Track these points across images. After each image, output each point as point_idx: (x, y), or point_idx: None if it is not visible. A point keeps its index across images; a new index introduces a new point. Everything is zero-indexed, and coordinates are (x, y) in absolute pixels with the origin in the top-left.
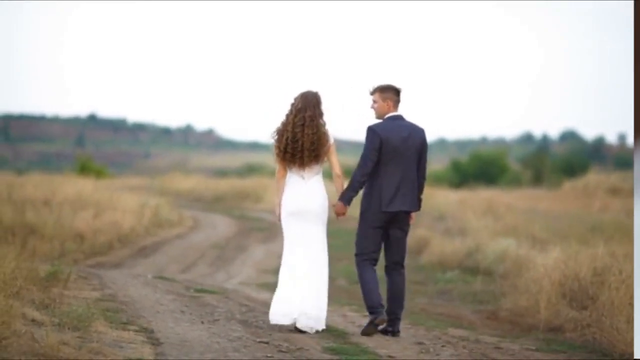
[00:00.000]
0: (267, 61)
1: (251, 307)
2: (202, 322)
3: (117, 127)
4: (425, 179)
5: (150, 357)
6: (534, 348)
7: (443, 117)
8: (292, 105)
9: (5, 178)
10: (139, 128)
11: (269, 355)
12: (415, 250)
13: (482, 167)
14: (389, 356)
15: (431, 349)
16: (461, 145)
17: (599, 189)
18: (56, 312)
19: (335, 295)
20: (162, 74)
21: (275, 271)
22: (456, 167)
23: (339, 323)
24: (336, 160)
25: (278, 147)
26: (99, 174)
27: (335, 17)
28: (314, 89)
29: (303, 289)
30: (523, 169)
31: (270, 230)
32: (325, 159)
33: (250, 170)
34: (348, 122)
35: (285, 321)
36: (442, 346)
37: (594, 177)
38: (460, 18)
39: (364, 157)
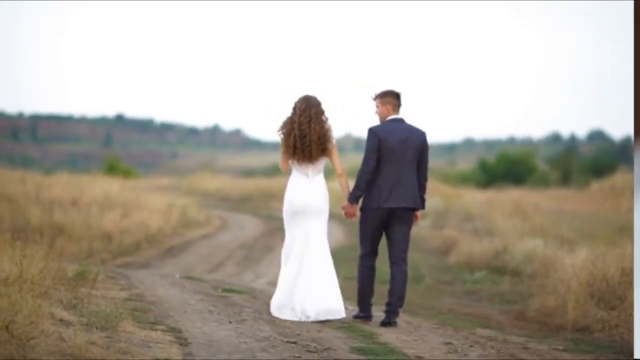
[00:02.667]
0: (294, 62)
1: None
2: (230, 322)
3: (144, 127)
4: (427, 179)
5: (178, 357)
6: (561, 348)
7: (470, 117)
8: (295, 107)
9: (33, 178)
10: (167, 128)
11: (296, 355)
12: (442, 250)
13: (509, 167)
14: (417, 356)
15: (459, 349)
16: (489, 145)
17: (627, 189)
18: (84, 312)
19: None
20: (189, 74)
21: None
22: (484, 167)
23: (366, 323)
24: (337, 160)
25: (286, 145)
26: (126, 174)
27: (360, 18)
28: (312, 94)
29: (310, 283)
30: (551, 169)
31: None
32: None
33: (277, 170)
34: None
35: (289, 316)
36: (470, 346)
37: (622, 177)
38: (489, 16)
39: (365, 158)
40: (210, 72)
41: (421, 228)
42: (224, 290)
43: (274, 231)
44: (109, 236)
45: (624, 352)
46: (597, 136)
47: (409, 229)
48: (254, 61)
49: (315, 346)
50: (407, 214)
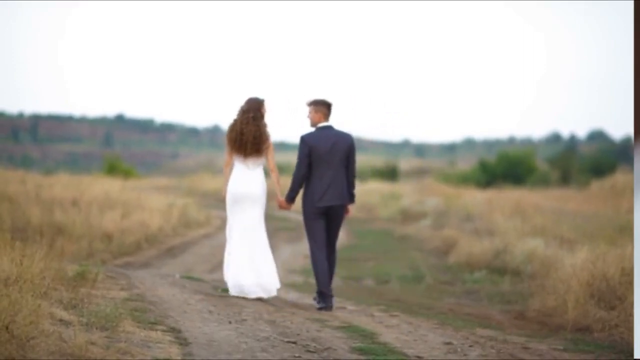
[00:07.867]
0: (294, 62)
1: (279, 307)
2: (230, 322)
3: (144, 127)
4: (355, 177)
5: (178, 357)
6: (561, 348)
7: (471, 117)
8: (241, 107)
9: (33, 178)
10: (167, 128)
11: (296, 355)
12: (443, 250)
13: (509, 167)
14: (417, 356)
15: (459, 349)
16: (489, 145)
17: (627, 189)
18: (84, 312)
19: (363, 295)
20: (190, 74)
21: (303, 271)
22: (484, 167)
23: (366, 323)
24: (272, 158)
25: (228, 139)
26: (127, 174)
27: (361, 18)
28: (260, 96)
29: (253, 262)
30: (551, 169)
31: (297, 230)
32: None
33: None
34: (373, 121)
35: (237, 292)
36: (470, 346)
37: (622, 177)
38: (489, 16)
39: (297, 164)
40: (211, 73)
41: (421, 228)
42: (224, 290)
43: (274, 231)
44: (109, 236)
45: (624, 352)
46: (597, 136)
47: (340, 222)
48: (254, 62)
49: (315, 346)
50: (339, 210)
